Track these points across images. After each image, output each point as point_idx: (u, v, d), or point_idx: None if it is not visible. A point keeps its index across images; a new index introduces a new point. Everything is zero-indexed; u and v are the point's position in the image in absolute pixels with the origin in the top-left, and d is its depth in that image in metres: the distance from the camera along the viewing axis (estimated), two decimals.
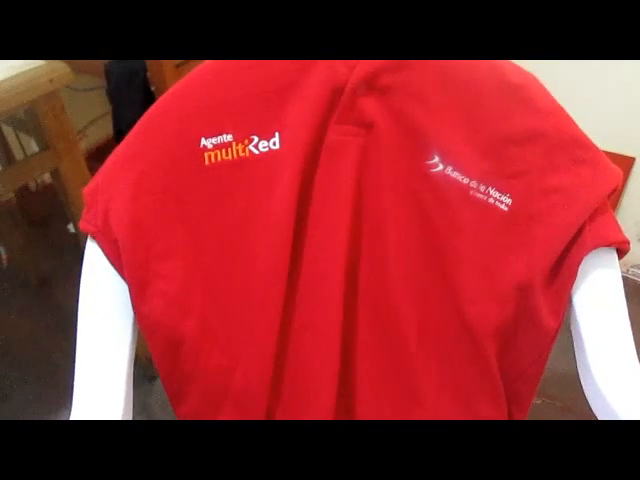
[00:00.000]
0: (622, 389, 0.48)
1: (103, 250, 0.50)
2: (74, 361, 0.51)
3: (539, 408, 1.22)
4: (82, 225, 0.50)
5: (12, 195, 1.74)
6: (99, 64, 1.23)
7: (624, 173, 1.36)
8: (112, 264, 0.50)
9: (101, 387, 0.50)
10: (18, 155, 1.65)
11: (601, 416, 0.50)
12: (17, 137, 1.64)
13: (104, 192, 0.49)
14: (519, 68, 0.51)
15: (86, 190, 0.51)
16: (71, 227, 1.79)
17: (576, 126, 0.50)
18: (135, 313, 0.51)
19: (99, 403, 0.50)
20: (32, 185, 1.74)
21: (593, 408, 0.51)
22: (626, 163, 1.35)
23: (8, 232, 1.66)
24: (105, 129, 1.85)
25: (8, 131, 1.60)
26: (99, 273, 0.51)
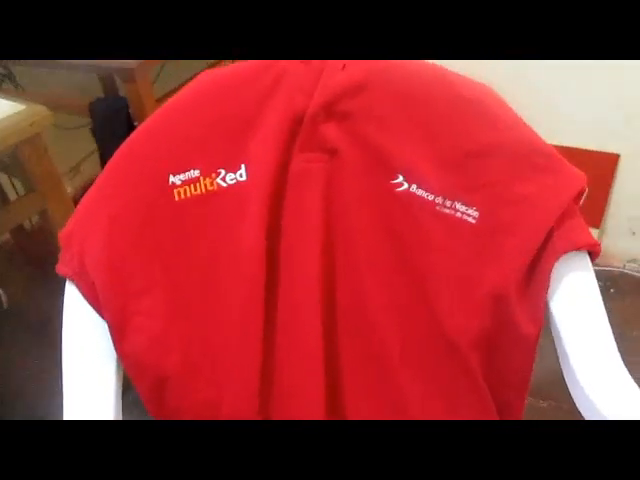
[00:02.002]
0: (605, 388, 0.49)
1: (81, 292, 0.50)
2: None
3: (545, 411, 1.21)
4: (59, 268, 0.51)
5: (8, 237, 1.75)
6: (83, 103, 1.25)
7: (609, 170, 1.36)
8: (91, 305, 0.50)
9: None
10: (12, 196, 1.67)
11: (588, 417, 0.50)
12: (10, 179, 1.66)
13: (79, 235, 0.50)
14: (473, 82, 0.52)
15: (62, 234, 0.51)
16: None
17: (535, 135, 0.51)
18: (117, 352, 0.51)
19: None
20: (27, 225, 1.76)
21: (580, 409, 0.51)
22: (611, 160, 1.36)
23: (7, 273, 1.66)
24: (98, 165, 1.87)
25: (1, 174, 1.62)
26: (79, 315, 0.51)
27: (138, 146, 0.52)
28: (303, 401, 0.51)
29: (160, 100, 1.18)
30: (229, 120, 0.50)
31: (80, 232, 0.50)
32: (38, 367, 1.58)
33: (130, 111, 1.17)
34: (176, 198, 0.50)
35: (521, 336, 0.50)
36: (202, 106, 0.51)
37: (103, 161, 1.23)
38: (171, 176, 0.50)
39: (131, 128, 1.18)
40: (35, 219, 1.84)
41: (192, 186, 0.50)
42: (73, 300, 0.51)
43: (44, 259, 1.87)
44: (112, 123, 1.17)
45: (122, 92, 1.29)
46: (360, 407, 0.53)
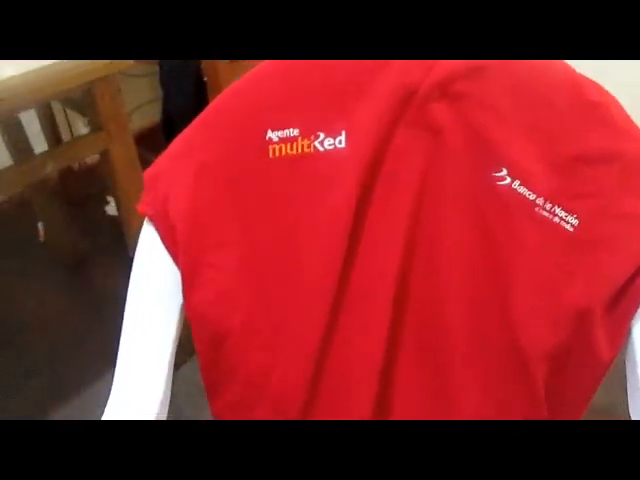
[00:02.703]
0: None
1: (159, 234, 0.50)
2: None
3: None
4: (141, 207, 0.50)
5: (54, 174, 1.78)
6: None
7: None
8: (167, 249, 0.50)
9: (143, 370, 0.50)
10: (65, 135, 1.68)
11: None
12: (66, 117, 1.67)
13: (165, 178, 0.50)
14: (598, 86, 0.49)
15: (147, 174, 0.51)
16: (108, 209, 1.82)
17: None
18: (184, 300, 0.50)
19: (139, 386, 0.50)
20: (75, 165, 1.78)
21: None
22: None
23: (48, 209, 1.69)
24: (149, 116, 1.88)
25: (57, 110, 1.63)
26: (152, 256, 0.51)
27: (235, 100, 0.51)
28: (355, 382, 0.50)
29: (233, 60, 1.17)
30: (336, 82, 0.49)
31: (167, 175, 0.50)
32: (66, 304, 1.61)
33: (201, 65, 1.17)
34: (270, 155, 0.49)
35: (595, 358, 0.48)
36: (309, 68, 0.50)
37: (166, 111, 1.23)
38: (269, 131, 0.49)
39: (199, 84, 1.18)
40: (82, 162, 1.86)
41: (289, 145, 0.48)
42: (149, 241, 0.51)
43: (86, 201, 1.91)
44: (181, 74, 1.16)
45: None
46: (410, 400, 0.52)
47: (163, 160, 0.51)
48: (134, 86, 1.57)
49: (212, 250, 0.49)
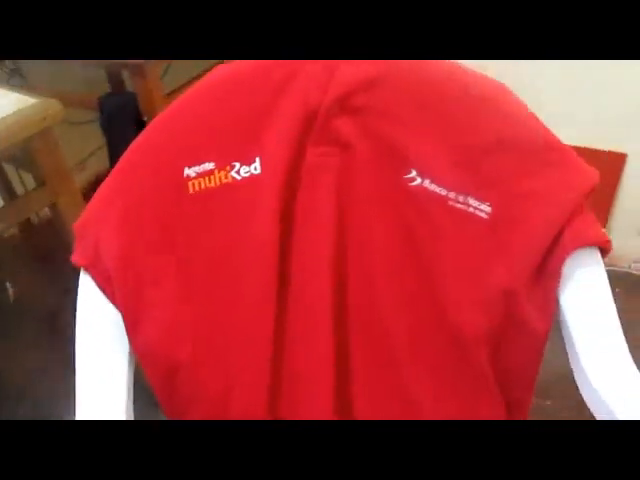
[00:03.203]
0: (617, 388, 0.49)
1: (96, 282, 0.51)
2: None
3: (549, 409, 1.21)
4: (74, 258, 0.51)
5: (15, 230, 1.76)
6: (92, 98, 1.26)
7: (617, 170, 1.36)
8: (105, 295, 0.51)
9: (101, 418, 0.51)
10: (19, 190, 1.67)
11: (599, 416, 0.50)
12: (17, 173, 1.66)
13: (93, 225, 0.51)
14: (486, 78, 0.52)
15: (76, 225, 0.52)
16: None
17: (547, 130, 0.51)
18: (130, 342, 0.51)
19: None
20: (34, 219, 1.77)
21: (591, 409, 0.51)
22: (618, 160, 1.36)
23: (14, 267, 1.67)
24: (104, 160, 1.87)
25: (9, 167, 1.62)
26: (93, 305, 0.52)
27: (154, 138, 0.53)
28: (312, 395, 0.51)
29: (169, 95, 1.18)
30: (244, 112, 0.51)
31: (95, 222, 0.51)
32: (44, 361, 1.58)
33: (139, 106, 1.18)
34: (190, 190, 0.50)
35: (530, 332, 0.50)
36: (217, 98, 0.52)
37: (111, 156, 1.24)
38: (186, 168, 0.50)
39: (140, 123, 1.19)
40: (42, 213, 1.85)
41: (207, 179, 0.50)
42: (87, 290, 0.52)
43: (51, 253, 1.89)
44: (121, 118, 1.17)
45: (129, 87, 1.30)
46: (369, 403, 0.53)
47: (90, 208, 0.52)
48: (87, 132, 1.58)
49: (149, 288, 0.50)
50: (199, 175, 0.50)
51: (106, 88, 1.40)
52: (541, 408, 1.21)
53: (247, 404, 0.51)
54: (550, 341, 0.51)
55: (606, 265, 0.52)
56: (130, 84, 1.23)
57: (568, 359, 0.52)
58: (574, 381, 0.52)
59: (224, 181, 0.50)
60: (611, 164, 1.35)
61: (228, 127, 0.51)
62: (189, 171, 0.50)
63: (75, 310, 0.52)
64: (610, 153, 1.35)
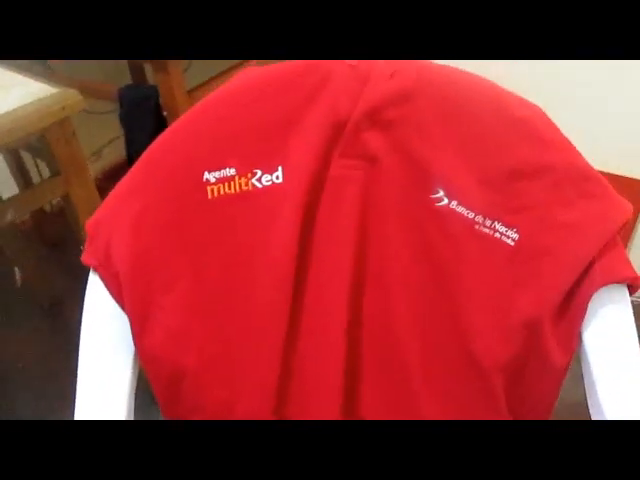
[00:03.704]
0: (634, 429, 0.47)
1: (105, 283, 0.50)
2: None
3: None
4: (84, 258, 0.50)
5: (27, 217, 1.77)
6: (113, 89, 1.25)
7: (636, 197, 1.33)
8: (113, 297, 0.50)
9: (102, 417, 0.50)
10: (35, 179, 1.68)
11: None
12: (35, 162, 1.67)
13: (106, 225, 0.50)
14: (524, 100, 0.51)
15: (88, 223, 0.51)
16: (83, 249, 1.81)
17: (584, 160, 0.49)
18: (136, 346, 0.50)
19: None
20: (47, 207, 1.77)
21: None
22: (638, 187, 1.33)
23: (23, 253, 1.68)
24: (120, 150, 1.87)
25: (26, 155, 1.63)
26: (101, 306, 0.51)
27: (175, 139, 0.51)
28: (318, 408, 0.50)
29: (191, 91, 1.17)
30: (270, 120, 0.49)
31: (108, 223, 0.50)
32: (46, 347, 1.59)
33: (160, 100, 1.17)
34: (209, 196, 0.49)
35: (550, 365, 0.49)
36: (243, 104, 0.50)
37: (128, 148, 1.23)
38: (206, 173, 0.49)
39: (160, 117, 1.18)
40: (55, 201, 1.85)
41: (226, 185, 0.49)
42: (96, 291, 0.50)
43: (60, 241, 1.89)
44: (140, 111, 1.16)
45: (150, 80, 1.29)
46: (376, 418, 0.52)
47: (104, 207, 0.51)
48: (104, 122, 1.58)
49: (159, 292, 0.49)
50: (219, 180, 0.49)
51: (127, 79, 1.40)
52: None
53: (251, 415, 0.50)
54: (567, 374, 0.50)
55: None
56: (152, 76, 1.22)
57: (572, 389, 0.50)
58: (575, 410, 0.50)
59: (244, 188, 0.49)
60: (632, 191, 1.33)
61: (252, 133, 0.49)
62: (209, 176, 0.49)
63: (80, 299, 0.51)
64: (631, 180, 1.33)
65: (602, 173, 0.49)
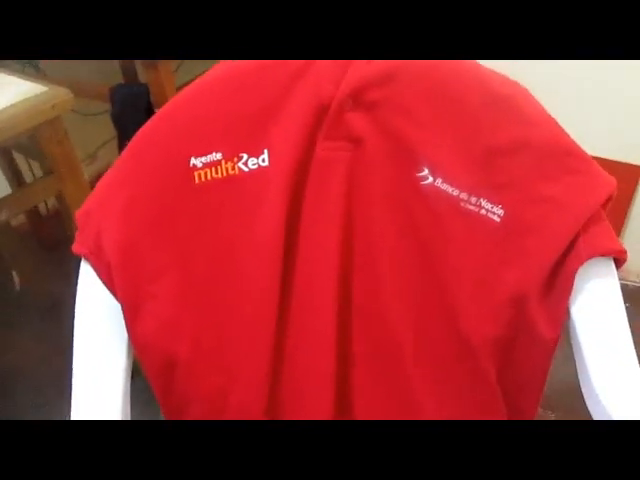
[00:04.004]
0: (624, 401, 0.47)
1: (96, 271, 0.50)
2: None
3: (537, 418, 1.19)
4: (75, 247, 0.50)
5: (24, 220, 1.77)
6: (104, 89, 1.25)
7: (632, 182, 1.34)
8: (105, 285, 0.50)
9: (97, 408, 0.50)
10: (28, 179, 1.68)
11: None
12: (27, 161, 1.67)
13: (96, 215, 0.50)
14: (506, 78, 0.51)
15: (79, 213, 0.51)
16: None
17: (567, 135, 0.50)
18: (129, 334, 0.51)
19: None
20: (42, 209, 1.77)
21: (595, 419, 0.50)
22: (633, 172, 1.34)
23: (20, 256, 1.68)
24: (115, 152, 1.88)
25: (18, 156, 1.63)
26: (93, 294, 0.51)
27: (160, 127, 0.52)
28: (311, 393, 0.50)
29: (181, 88, 1.17)
30: (253, 106, 0.50)
31: (98, 211, 0.50)
32: (45, 350, 1.59)
33: (150, 98, 1.17)
34: (196, 181, 0.49)
35: (539, 340, 0.49)
36: (226, 89, 0.51)
37: (121, 148, 1.23)
38: (192, 158, 0.49)
39: (151, 115, 1.18)
40: (50, 204, 1.85)
41: (213, 169, 0.49)
42: (87, 280, 0.51)
43: (57, 243, 1.89)
44: (132, 109, 1.17)
45: (142, 79, 1.29)
46: (370, 403, 0.52)
47: (93, 197, 0.51)
48: (99, 123, 1.58)
49: (150, 280, 0.49)
50: (206, 165, 0.49)
51: (119, 78, 1.40)
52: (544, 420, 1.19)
53: (245, 402, 0.50)
54: (556, 352, 0.50)
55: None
56: (143, 75, 1.22)
57: (574, 371, 0.51)
58: (580, 394, 0.50)
59: (231, 172, 0.49)
60: (626, 177, 1.33)
61: (237, 118, 0.50)
62: (196, 161, 0.49)
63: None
64: (625, 165, 1.33)
65: (595, 159, 0.49)
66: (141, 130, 0.52)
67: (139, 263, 0.49)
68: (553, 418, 1.20)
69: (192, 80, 1.19)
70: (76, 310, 0.51)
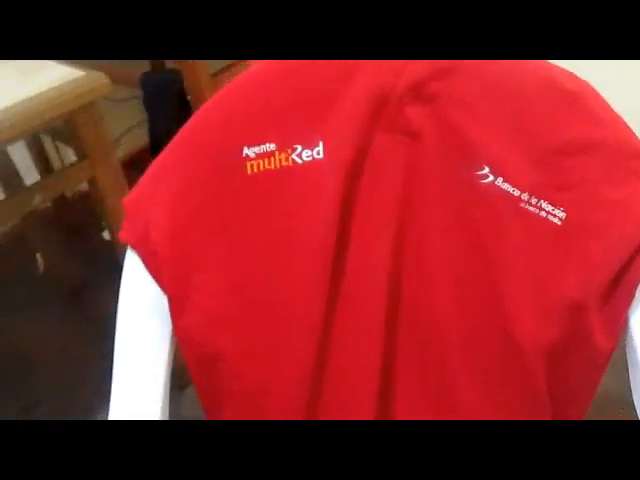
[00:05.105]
0: None
1: (143, 261, 0.49)
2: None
3: None
4: (122, 235, 0.49)
5: (49, 203, 1.78)
6: (135, 75, 1.25)
7: None
8: (152, 275, 0.49)
9: (138, 398, 0.50)
10: (56, 164, 1.69)
11: None
12: (55, 147, 1.68)
13: (145, 203, 0.49)
14: (573, 75, 0.49)
15: (126, 200, 0.50)
16: (106, 235, 1.82)
17: (635, 137, 0.48)
18: (174, 325, 0.50)
19: (136, 414, 0.50)
20: (69, 193, 1.78)
21: None
22: None
23: (44, 240, 1.69)
24: (140, 138, 1.88)
25: (47, 141, 1.64)
26: (138, 284, 0.50)
27: (211, 116, 0.50)
28: (354, 393, 0.49)
29: (215, 75, 1.16)
30: (307, 96, 0.48)
31: (146, 199, 0.49)
32: (67, 335, 1.60)
33: (184, 84, 1.16)
34: (248, 171, 0.48)
35: (594, 349, 0.47)
36: (281, 79, 0.49)
37: (153, 134, 1.23)
38: (245, 148, 0.48)
39: (183, 103, 1.17)
40: (77, 188, 1.86)
41: (266, 160, 0.48)
42: (133, 269, 0.50)
43: (82, 229, 1.90)
44: (164, 96, 1.16)
45: (168, 64, 1.28)
46: (412, 404, 0.51)
47: (142, 185, 0.51)
48: (122, 110, 1.58)
49: (197, 272, 0.48)
50: (259, 156, 0.48)
51: (145, 64, 1.39)
52: None
53: (285, 402, 0.49)
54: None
55: None
56: (170, 61, 1.21)
57: (625, 381, 0.49)
58: (631, 404, 0.49)
59: (284, 164, 0.48)
60: None
61: (292, 108, 0.48)
62: (248, 151, 0.48)
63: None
64: None
65: None
66: (191, 120, 0.51)
67: (187, 254, 0.48)
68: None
69: (225, 66, 1.18)
70: (120, 299, 0.51)
